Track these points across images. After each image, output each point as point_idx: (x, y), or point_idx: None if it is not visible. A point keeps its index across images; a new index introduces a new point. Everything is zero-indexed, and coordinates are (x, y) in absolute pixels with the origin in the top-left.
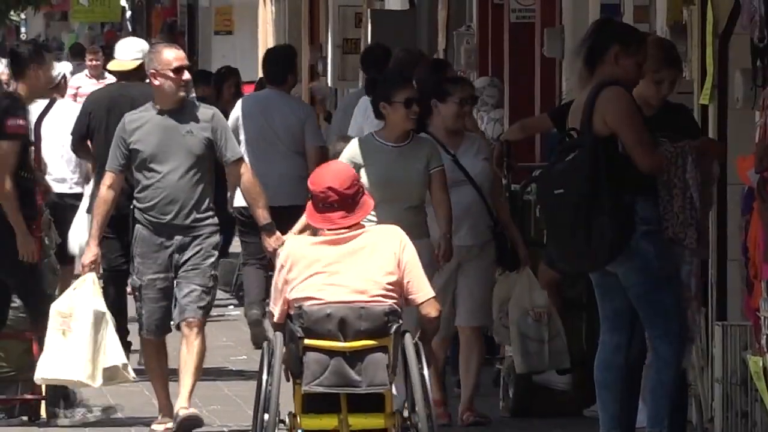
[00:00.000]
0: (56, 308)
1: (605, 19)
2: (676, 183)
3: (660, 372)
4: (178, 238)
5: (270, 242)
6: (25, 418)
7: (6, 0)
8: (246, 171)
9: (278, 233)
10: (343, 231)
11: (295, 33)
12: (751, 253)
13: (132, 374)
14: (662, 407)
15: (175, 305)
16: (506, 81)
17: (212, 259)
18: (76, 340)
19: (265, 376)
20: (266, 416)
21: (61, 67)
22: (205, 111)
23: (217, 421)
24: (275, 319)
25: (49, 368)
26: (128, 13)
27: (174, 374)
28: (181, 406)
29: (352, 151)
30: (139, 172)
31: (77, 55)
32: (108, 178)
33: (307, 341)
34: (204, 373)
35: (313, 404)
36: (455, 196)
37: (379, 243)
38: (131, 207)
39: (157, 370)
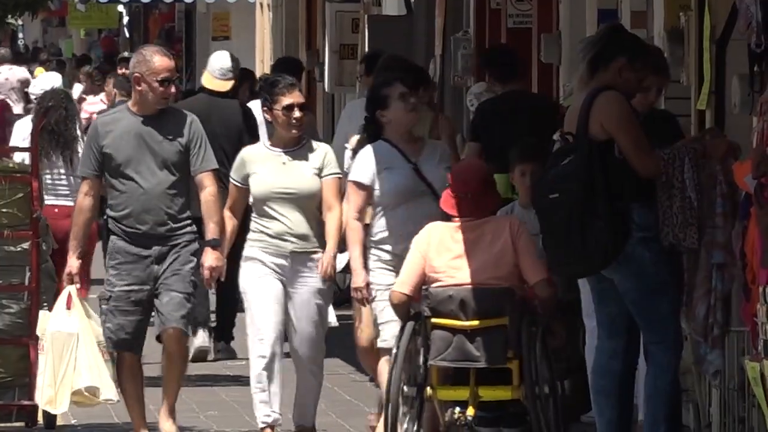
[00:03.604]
0: (37, 329)
1: (616, 26)
2: (674, 184)
3: (657, 378)
4: (156, 248)
5: (210, 258)
6: (22, 423)
7: (3, 5)
8: (211, 185)
9: (219, 253)
10: (470, 220)
11: (292, 39)
12: (748, 259)
13: (104, 397)
14: (659, 413)
15: (155, 315)
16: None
17: (191, 265)
18: (43, 362)
19: (394, 351)
20: (405, 388)
21: (53, 80)
22: (183, 117)
23: (214, 426)
24: (408, 291)
25: (37, 392)
26: (125, 19)
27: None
28: (164, 429)
29: (240, 159)
30: (112, 178)
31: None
32: (84, 186)
33: (433, 320)
34: (201, 379)
35: (448, 377)
36: (415, 207)
37: (498, 230)
38: (104, 217)
39: (131, 392)
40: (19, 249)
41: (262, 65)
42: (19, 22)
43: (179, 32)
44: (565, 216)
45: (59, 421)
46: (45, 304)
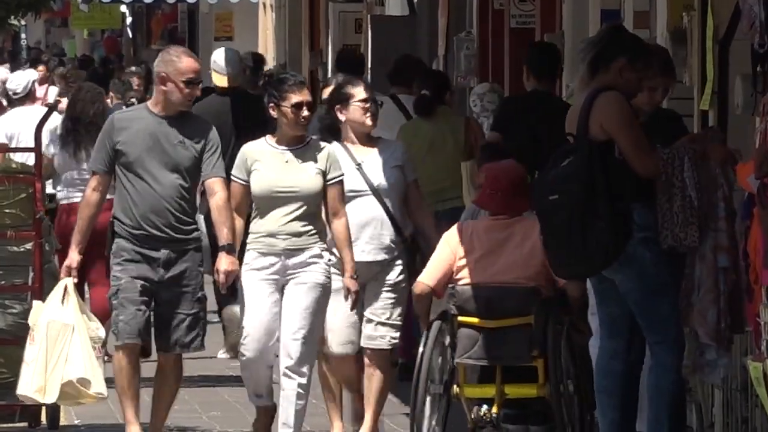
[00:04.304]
0: (29, 319)
1: (616, 27)
2: (674, 183)
3: (659, 378)
4: (164, 252)
5: (225, 262)
6: (25, 424)
7: (6, 5)
8: (222, 190)
9: (234, 258)
10: (501, 217)
11: (296, 39)
12: (751, 259)
13: (95, 390)
14: (662, 413)
15: (155, 328)
16: (506, 87)
17: (200, 278)
18: (33, 351)
19: (421, 349)
20: (432, 386)
21: (30, 75)
22: (202, 124)
23: (217, 426)
24: (432, 283)
25: (19, 383)
26: (128, 20)
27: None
28: None
29: (242, 155)
30: (122, 176)
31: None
32: (93, 180)
33: (460, 318)
34: (204, 380)
35: (474, 375)
36: (354, 207)
37: (528, 230)
38: (110, 219)
39: (128, 388)
40: (22, 249)
41: (265, 66)
42: (22, 22)
43: (182, 33)
44: (566, 217)
45: (62, 422)
46: None
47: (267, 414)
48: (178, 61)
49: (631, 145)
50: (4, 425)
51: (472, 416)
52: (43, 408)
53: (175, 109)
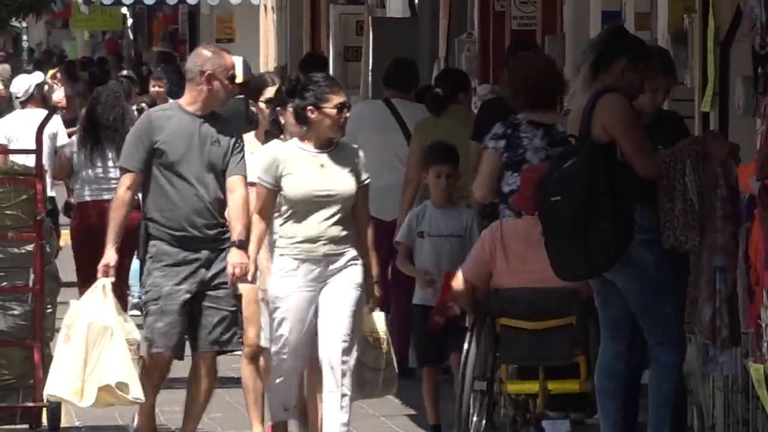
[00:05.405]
0: (65, 318)
1: (618, 28)
2: (676, 186)
3: (661, 378)
4: (205, 253)
5: (236, 256)
6: (26, 426)
7: (7, 7)
8: (243, 188)
9: (245, 253)
10: (533, 216)
11: (297, 41)
12: (752, 261)
13: (133, 395)
14: (663, 414)
15: (192, 327)
16: None
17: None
18: (69, 352)
19: (466, 346)
20: (476, 382)
21: (33, 78)
22: (228, 122)
23: (218, 428)
24: (471, 279)
25: (49, 383)
26: (129, 21)
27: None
28: None
29: (272, 159)
30: (161, 176)
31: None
32: (127, 179)
33: (502, 320)
34: None
35: (519, 372)
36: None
37: None
38: (143, 219)
39: (152, 390)
40: (23, 251)
41: (267, 68)
42: (23, 24)
43: (183, 34)
44: (569, 217)
45: (63, 423)
46: (49, 306)
47: (284, 429)
48: (220, 57)
49: (634, 146)
50: (5, 427)
51: (512, 414)
52: (44, 410)
53: (212, 107)
